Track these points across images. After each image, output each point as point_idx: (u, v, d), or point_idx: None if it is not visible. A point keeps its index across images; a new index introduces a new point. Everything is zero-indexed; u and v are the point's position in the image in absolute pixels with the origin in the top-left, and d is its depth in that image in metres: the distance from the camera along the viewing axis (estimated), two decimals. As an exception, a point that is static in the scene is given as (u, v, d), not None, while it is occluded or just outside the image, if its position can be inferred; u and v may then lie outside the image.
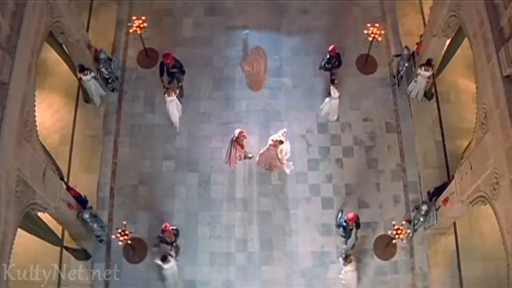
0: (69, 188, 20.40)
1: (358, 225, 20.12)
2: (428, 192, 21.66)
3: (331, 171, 22.34)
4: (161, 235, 19.77)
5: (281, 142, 20.78)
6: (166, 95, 21.82)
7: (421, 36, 22.38)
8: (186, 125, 23.00)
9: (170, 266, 19.65)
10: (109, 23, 24.83)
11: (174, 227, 20.13)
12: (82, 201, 20.40)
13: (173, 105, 22.22)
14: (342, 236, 20.72)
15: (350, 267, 19.48)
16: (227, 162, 21.69)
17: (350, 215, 19.70)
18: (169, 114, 22.52)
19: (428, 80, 22.30)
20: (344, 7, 25.42)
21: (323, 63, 22.87)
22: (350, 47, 24.28)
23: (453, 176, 19.63)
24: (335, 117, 23.05)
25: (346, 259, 19.38)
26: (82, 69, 21.84)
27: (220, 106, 23.35)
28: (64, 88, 23.41)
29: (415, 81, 22.53)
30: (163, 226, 19.51)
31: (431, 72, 21.94)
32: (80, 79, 22.21)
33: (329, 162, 22.51)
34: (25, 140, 15.41)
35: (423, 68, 21.86)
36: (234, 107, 23.30)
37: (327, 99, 22.37)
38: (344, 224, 20.13)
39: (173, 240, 20.01)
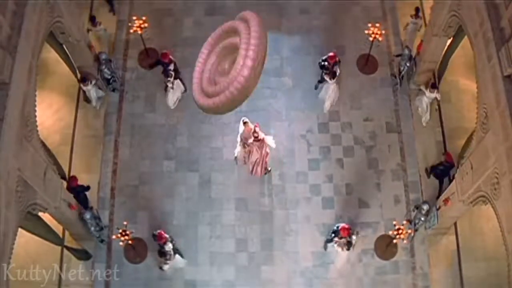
0: (71, 178, 20.69)
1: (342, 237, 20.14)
2: (426, 169, 22.14)
3: (331, 171, 22.34)
4: (156, 234, 19.84)
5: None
6: (169, 79, 22.35)
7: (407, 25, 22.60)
8: (186, 125, 23.01)
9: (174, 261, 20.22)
10: (109, 23, 24.79)
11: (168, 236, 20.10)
12: (84, 190, 20.72)
13: (177, 85, 22.80)
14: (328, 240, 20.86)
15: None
16: (251, 171, 21.70)
17: (346, 226, 19.76)
18: (172, 96, 23.03)
19: (435, 101, 22.51)
20: (344, 6, 25.41)
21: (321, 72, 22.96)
22: (350, 47, 24.31)
23: (448, 155, 20.63)
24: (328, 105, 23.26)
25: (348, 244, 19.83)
26: (83, 79, 21.99)
27: (220, 106, 23.33)
28: (64, 88, 23.40)
29: (423, 102, 22.57)
30: (157, 232, 19.66)
31: (437, 94, 22.02)
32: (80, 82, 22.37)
33: (329, 162, 22.51)
34: (25, 140, 15.41)
35: (428, 90, 21.89)
36: (234, 107, 23.30)
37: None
38: (335, 228, 20.22)
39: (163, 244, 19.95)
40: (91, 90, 22.31)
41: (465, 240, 21.20)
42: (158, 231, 19.65)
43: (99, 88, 22.71)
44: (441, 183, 21.70)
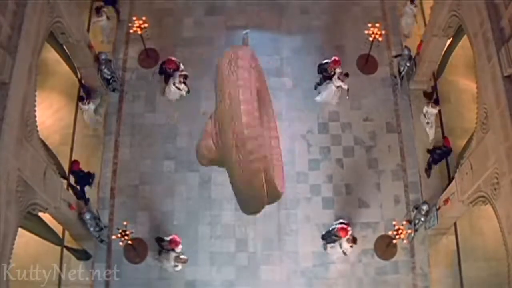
0: (73, 162, 21.15)
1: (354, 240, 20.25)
2: (426, 169, 22.22)
3: (331, 171, 22.35)
4: (163, 239, 19.88)
5: None
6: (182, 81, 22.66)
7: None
8: (187, 125, 22.98)
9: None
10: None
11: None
12: (86, 178, 21.14)
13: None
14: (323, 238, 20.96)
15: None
16: None
17: (344, 227, 19.82)
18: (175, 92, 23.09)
19: (436, 117, 22.48)
20: (344, 6, 25.45)
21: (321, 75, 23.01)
22: (350, 47, 24.32)
23: (447, 140, 21.03)
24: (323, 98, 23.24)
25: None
26: (81, 98, 22.05)
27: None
28: (64, 88, 23.36)
29: (426, 121, 22.50)
30: (170, 238, 19.75)
31: (438, 109, 22.05)
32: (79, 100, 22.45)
33: (329, 162, 22.51)
34: (25, 140, 15.41)
35: (430, 105, 21.86)
36: (234, 107, 23.25)
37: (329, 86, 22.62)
38: (330, 229, 20.41)
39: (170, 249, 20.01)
40: (90, 110, 22.30)
41: (465, 240, 21.19)
42: (171, 236, 19.69)
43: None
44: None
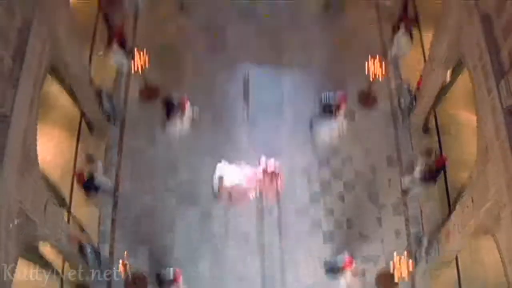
0: (78, 176, 21.05)
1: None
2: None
3: (332, 205, 22.31)
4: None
5: None
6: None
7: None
8: (187, 158, 23.01)
9: None
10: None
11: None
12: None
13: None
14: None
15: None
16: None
17: (348, 259, 19.74)
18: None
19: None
20: (344, 41, 25.66)
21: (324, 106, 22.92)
22: (350, 81, 24.40)
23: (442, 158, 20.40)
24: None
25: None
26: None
27: (220, 140, 23.36)
28: (66, 122, 23.40)
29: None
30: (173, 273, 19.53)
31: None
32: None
33: (330, 196, 22.49)
34: (26, 172, 15.40)
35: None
36: (235, 142, 23.29)
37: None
38: (333, 260, 20.38)
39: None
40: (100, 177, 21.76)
41: (466, 271, 21.01)
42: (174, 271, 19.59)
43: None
44: None
